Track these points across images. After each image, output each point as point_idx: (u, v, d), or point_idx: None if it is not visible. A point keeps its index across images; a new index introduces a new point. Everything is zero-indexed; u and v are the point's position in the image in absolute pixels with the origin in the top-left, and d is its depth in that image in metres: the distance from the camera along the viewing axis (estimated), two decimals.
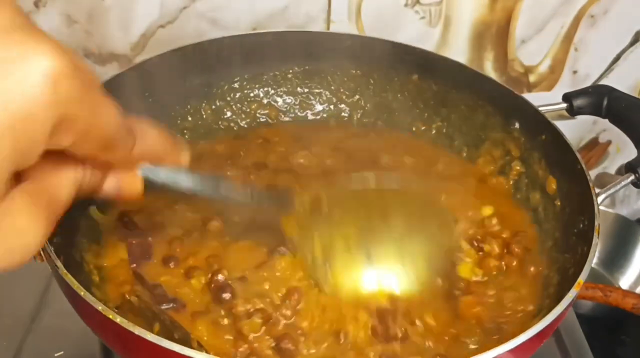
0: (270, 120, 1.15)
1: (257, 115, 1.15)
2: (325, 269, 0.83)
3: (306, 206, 0.84)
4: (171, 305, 0.80)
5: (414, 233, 0.86)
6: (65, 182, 0.50)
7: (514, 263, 0.89)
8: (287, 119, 1.16)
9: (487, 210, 0.97)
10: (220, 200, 0.73)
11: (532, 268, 0.89)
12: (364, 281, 0.83)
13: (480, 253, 0.91)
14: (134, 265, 0.86)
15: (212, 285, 0.82)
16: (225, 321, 0.79)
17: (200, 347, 0.74)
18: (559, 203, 0.94)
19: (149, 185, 0.61)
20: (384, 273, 0.84)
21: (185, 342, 0.70)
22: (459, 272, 0.88)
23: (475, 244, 0.91)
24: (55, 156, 0.47)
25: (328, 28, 1.29)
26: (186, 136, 1.09)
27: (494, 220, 0.95)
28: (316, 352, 0.78)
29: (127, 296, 0.81)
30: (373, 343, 0.79)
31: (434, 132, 1.13)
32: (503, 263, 0.90)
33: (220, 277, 0.83)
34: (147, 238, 0.89)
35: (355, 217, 0.86)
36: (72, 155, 0.48)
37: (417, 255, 0.86)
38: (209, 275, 0.83)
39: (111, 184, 0.57)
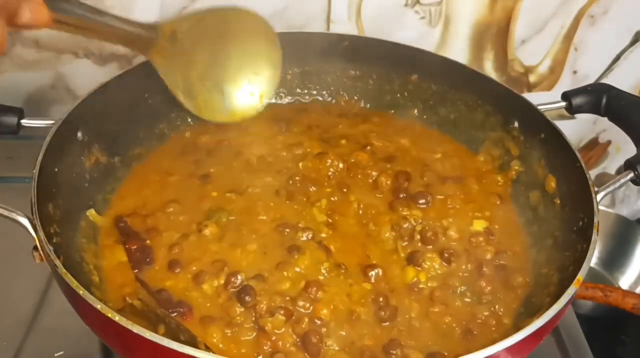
0: None
1: None
2: (191, 92, 1.02)
3: (167, 36, 0.97)
4: (177, 310, 0.80)
5: (248, 49, 1.06)
6: None
7: (482, 283, 0.88)
8: None
9: (479, 225, 0.95)
10: (105, 28, 0.87)
11: (516, 282, 0.88)
12: (229, 94, 1.05)
13: (445, 265, 0.90)
14: (136, 270, 0.86)
15: (230, 287, 0.83)
16: (242, 321, 0.79)
17: (208, 349, 0.74)
18: (558, 202, 0.93)
19: (54, 16, 0.75)
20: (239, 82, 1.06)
21: (192, 344, 0.70)
22: (406, 273, 0.88)
23: (446, 255, 0.90)
24: None
25: (328, 28, 1.29)
26: (187, 135, 1.09)
27: (481, 238, 0.93)
28: (337, 341, 0.79)
29: (128, 299, 0.81)
30: (379, 321, 0.82)
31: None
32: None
33: (239, 277, 0.83)
34: (146, 242, 0.89)
35: (206, 44, 1.03)
36: None
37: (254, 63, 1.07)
38: (223, 278, 0.84)
39: (25, 13, 0.70)
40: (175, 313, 0.79)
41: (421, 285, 0.87)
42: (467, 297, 0.86)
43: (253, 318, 0.79)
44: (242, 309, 0.80)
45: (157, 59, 0.97)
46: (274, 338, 0.78)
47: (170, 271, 0.85)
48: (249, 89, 1.06)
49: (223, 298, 0.82)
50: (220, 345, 0.77)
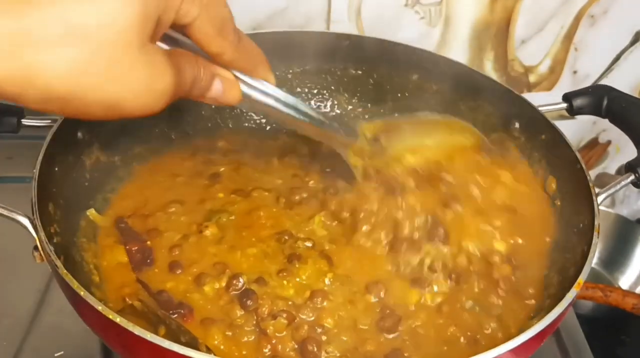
0: (268, 121, 1.15)
1: (255, 115, 1.15)
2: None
3: (368, 137, 0.92)
4: (178, 311, 0.80)
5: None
6: (188, 65, 0.62)
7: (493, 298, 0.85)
8: None
9: (500, 245, 0.90)
10: (297, 121, 0.79)
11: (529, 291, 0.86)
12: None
13: (454, 284, 0.86)
14: (137, 271, 0.85)
15: (232, 289, 0.82)
16: (243, 323, 0.79)
17: (209, 351, 0.74)
18: (559, 203, 0.93)
19: (244, 95, 0.70)
20: None
21: (193, 346, 0.71)
22: (410, 295, 0.85)
23: (453, 276, 0.86)
24: (181, 51, 0.62)
25: (328, 28, 1.29)
26: (188, 134, 1.10)
27: (497, 258, 0.88)
28: (338, 347, 0.78)
29: (128, 300, 0.81)
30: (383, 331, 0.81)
31: None
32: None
33: (240, 280, 0.83)
34: (146, 243, 0.89)
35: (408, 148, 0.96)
36: (195, 41, 0.63)
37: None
38: (225, 281, 0.83)
39: (217, 87, 0.66)
40: (175, 315, 0.79)
41: (428, 303, 0.84)
42: (476, 311, 0.84)
43: (254, 321, 0.79)
44: (243, 312, 0.80)
45: (352, 157, 0.92)
46: (274, 341, 0.77)
47: (171, 272, 0.85)
48: None
49: (224, 300, 0.82)
50: (222, 347, 0.77)
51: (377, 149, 0.92)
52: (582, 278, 0.74)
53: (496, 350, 0.65)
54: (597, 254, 0.80)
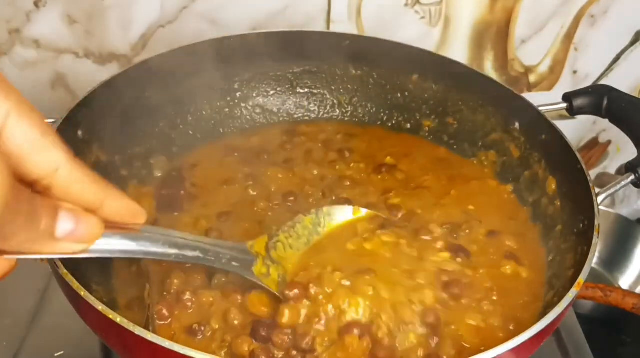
0: (268, 121, 1.15)
1: (255, 115, 1.15)
2: None
3: (262, 255, 0.81)
4: None
5: None
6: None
7: None
8: (285, 119, 1.17)
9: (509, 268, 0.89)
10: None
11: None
12: None
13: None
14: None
15: None
16: None
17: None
18: (558, 204, 0.93)
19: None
20: None
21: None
22: None
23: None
24: None
25: (328, 28, 1.29)
26: (189, 133, 1.10)
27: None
28: None
29: None
30: None
31: (433, 132, 1.13)
32: None
33: None
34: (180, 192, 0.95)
35: None
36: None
37: None
38: None
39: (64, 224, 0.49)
40: None
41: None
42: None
43: None
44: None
45: (264, 279, 0.79)
46: None
47: None
48: None
49: None
50: None
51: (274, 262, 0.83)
52: (582, 278, 0.74)
53: (496, 350, 0.65)
54: (597, 254, 0.80)
